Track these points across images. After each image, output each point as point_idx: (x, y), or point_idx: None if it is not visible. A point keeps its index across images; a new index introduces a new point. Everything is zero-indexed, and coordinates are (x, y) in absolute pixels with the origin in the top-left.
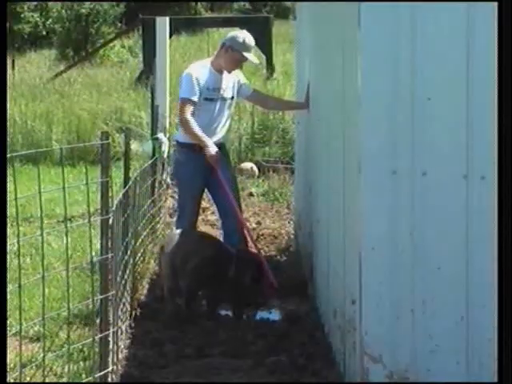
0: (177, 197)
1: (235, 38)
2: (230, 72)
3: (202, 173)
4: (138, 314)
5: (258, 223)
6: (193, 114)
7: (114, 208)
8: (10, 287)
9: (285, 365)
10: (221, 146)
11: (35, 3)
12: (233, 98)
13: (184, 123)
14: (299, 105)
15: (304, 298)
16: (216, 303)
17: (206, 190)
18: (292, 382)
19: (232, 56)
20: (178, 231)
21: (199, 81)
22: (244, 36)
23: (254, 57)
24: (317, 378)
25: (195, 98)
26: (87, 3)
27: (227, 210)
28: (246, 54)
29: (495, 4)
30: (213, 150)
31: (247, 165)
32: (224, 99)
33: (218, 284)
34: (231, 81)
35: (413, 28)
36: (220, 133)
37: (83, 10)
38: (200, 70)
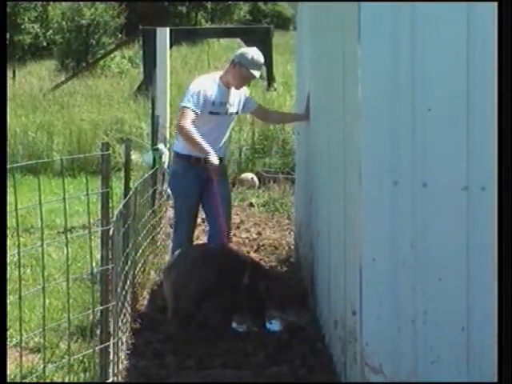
0: (172, 209)
1: (244, 55)
2: (238, 88)
3: (199, 184)
4: (138, 324)
5: (259, 234)
6: (193, 124)
7: (114, 219)
8: (10, 298)
9: (286, 376)
10: (220, 160)
11: (35, 14)
12: (237, 113)
13: (182, 130)
14: (299, 116)
15: (304, 309)
16: (230, 316)
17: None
18: None
19: (240, 72)
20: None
21: (205, 94)
22: (253, 53)
23: (259, 73)
24: None
25: (197, 110)
26: (88, 14)
27: (216, 225)
28: (253, 71)
29: (495, 4)
30: (214, 158)
31: (248, 175)
32: (229, 114)
33: (231, 295)
34: (237, 96)
35: (413, 39)
36: (221, 147)
37: (84, 21)
38: (208, 84)
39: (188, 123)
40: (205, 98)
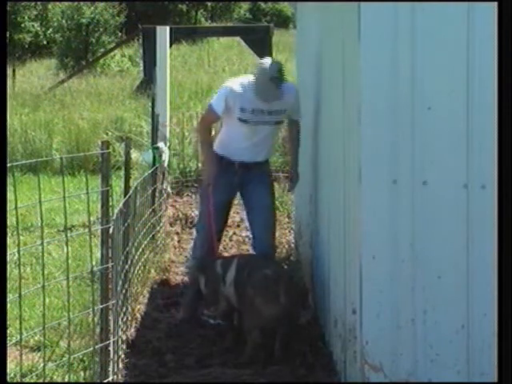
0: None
1: (258, 68)
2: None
3: (227, 190)
4: (138, 323)
5: None
6: (209, 126)
7: (114, 217)
8: (10, 297)
9: (285, 374)
10: (261, 163)
11: (35, 13)
12: (278, 123)
13: (197, 128)
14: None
15: (304, 307)
16: None
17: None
18: None
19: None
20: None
21: (229, 97)
22: (267, 67)
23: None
24: None
25: (218, 112)
26: (88, 13)
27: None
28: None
29: (495, 4)
30: (207, 174)
31: None
32: (263, 124)
33: None
34: (281, 105)
35: (413, 39)
36: (252, 153)
37: (83, 20)
38: (240, 86)
39: (204, 123)
40: (229, 101)
